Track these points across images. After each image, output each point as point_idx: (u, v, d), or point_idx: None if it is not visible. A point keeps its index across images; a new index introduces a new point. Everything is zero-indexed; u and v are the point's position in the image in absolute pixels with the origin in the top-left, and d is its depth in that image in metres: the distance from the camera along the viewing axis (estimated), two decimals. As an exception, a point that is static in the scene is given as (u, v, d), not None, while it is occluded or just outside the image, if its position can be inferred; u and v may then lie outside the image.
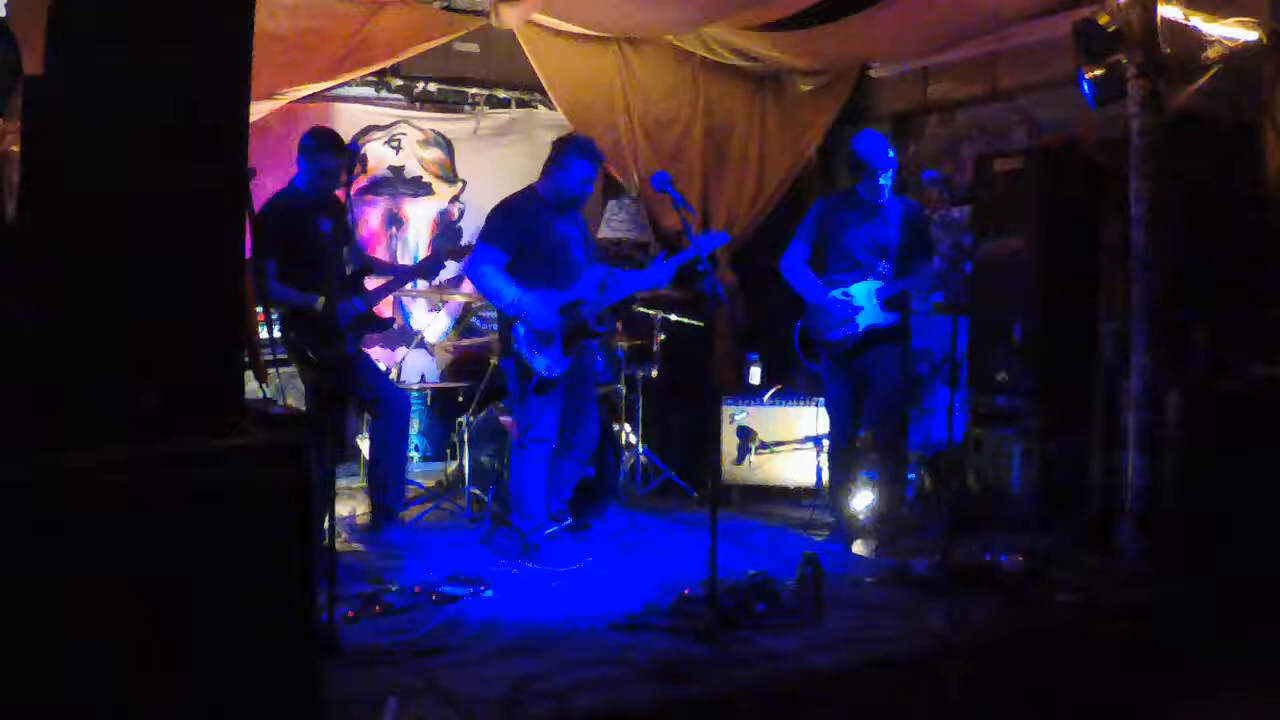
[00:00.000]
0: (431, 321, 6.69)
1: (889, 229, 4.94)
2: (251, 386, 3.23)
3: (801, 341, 5.10)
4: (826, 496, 5.49)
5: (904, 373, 5.06)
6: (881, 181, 4.83)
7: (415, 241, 6.80)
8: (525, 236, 4.58)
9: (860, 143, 4.92)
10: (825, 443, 5.69)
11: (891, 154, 4.87)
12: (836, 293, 4.91)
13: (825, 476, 5.68)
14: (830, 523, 5.25)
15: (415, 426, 6.04)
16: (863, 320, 4.89)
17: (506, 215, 4.66)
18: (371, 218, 6.67)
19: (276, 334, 4.47)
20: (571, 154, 4.62)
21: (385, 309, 6.63)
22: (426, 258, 5.28)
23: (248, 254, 2.99)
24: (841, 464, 5.12)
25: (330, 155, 4.56)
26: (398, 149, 6.69)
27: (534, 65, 6.09)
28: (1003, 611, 4.00)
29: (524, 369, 4.59)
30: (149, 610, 2.37)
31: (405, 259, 6.71)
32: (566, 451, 4.83)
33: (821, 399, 5.50)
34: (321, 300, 4.37)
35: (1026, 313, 5.26)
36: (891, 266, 4.93)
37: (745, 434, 6.00)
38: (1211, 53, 4.66)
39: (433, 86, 6.62)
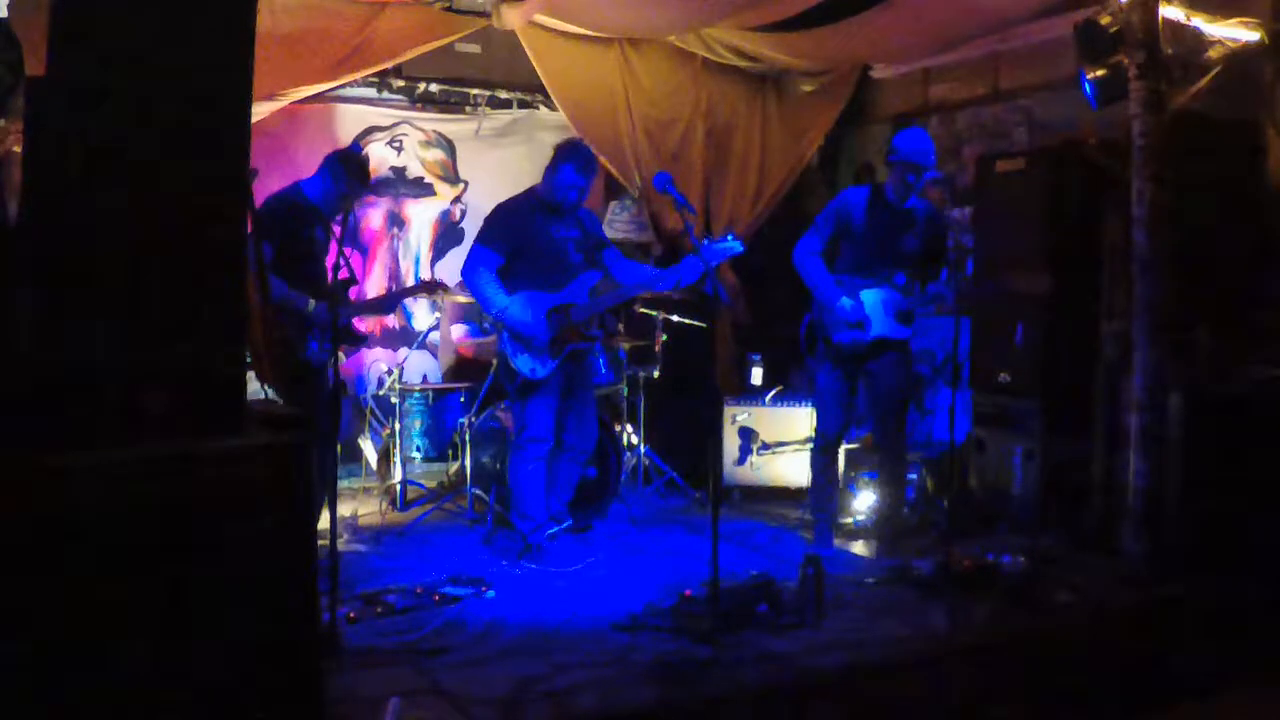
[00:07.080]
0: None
1: (911, 236, 4.79)
2: (254, 388, 3.23)
3: (807, 337, 4.93)
4: (808, 495, 5.22)
5: (906, 373, 5.03)
6: (917, 182, 4.66)
7: (417, 242, 6.81)
8: (519, 237, 4.58)
9: (902, 140, 4.73)
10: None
11: (933, 158, 4.71)
12: (845, 301, 4.70)
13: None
14: (811, 522, 5.09)
15: (417, 426, 6.04)
16: (871, 330, 4.75)
17: (501, 216, 4.67)
18: (373, 219, 6.67)
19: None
20: (560, 160, 4.59)
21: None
22: (383, 294, 5.20)
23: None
24: (826, 461, 4.99)
25: (360, 185, 4.53)
26: (399, 150, 6.69)
27: (535, 66, 6.09)
28: (1004, 612, 4.00)
29: (508, 369, 4.59)
30: (149, 610, 2.37)
31: (407, 260, 6.74)
32: (565, 452, 4.83)
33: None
34: (312, 303, 4.34)
35: (1028, 314, 5.26)
36: (905, 277, 4.79)
37: (747, 434, 5.99)
38: (1213, 53, 4.65)
39: (434, 87, 6.61)
